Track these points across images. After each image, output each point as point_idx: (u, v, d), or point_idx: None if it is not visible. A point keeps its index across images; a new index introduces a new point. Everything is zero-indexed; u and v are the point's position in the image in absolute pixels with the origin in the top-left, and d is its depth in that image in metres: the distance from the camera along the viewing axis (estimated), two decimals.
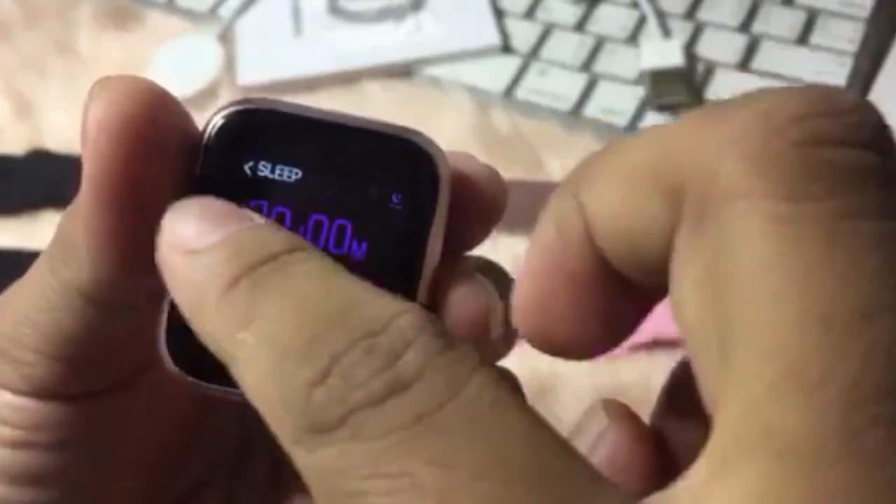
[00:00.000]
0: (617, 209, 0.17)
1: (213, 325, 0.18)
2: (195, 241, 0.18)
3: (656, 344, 0.42)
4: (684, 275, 0.15)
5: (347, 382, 0.16)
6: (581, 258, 0.17)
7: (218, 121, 0.20)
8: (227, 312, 0.17)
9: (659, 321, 0.45)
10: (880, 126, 0.15)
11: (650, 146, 0.16)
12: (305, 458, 0.16)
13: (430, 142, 0.21)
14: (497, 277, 0.22)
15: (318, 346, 0.16)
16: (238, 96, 0.48)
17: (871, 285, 0.14)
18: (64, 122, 0.52)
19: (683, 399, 0.17)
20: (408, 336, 0.16)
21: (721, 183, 0.15)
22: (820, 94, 0.15)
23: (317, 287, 0.17)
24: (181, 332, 0.20)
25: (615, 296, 0.18)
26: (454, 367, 0.16)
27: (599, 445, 0.19)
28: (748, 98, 0.16)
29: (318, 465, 0.16)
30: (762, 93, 0.16)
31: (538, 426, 0.15)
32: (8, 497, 0.22)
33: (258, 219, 0.19)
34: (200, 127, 0.21)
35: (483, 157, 0.22)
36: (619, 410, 0.19)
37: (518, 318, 0.19)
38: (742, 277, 0.14)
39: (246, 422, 0.26)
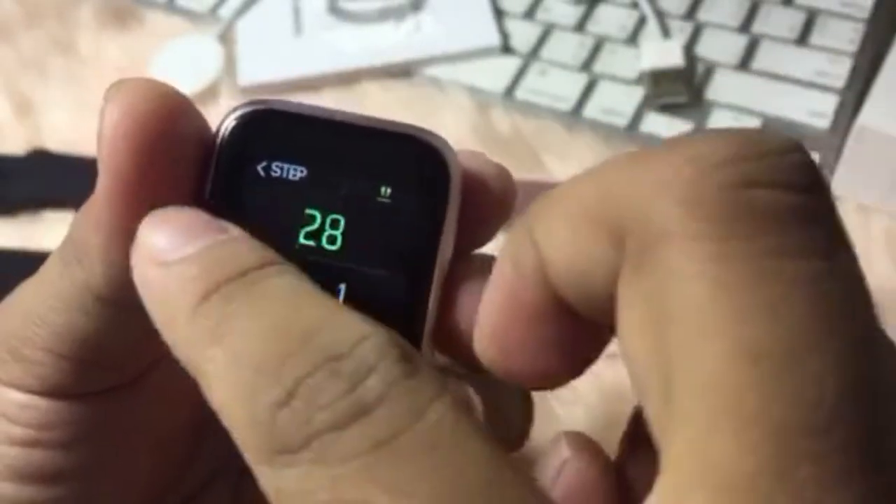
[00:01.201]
0: (565, 249, 0.17)
1: (183, 339, 0.18)
2: (168, 254, 0.18)
3: None
4: (627, 316, 0.16)
5: (311, 405, 0.16)
6: (535, 294, 0.18)
7: (231, 122, 0.20)
8: (197, 327, 0.17)
9: None
10: (806, 166, 0.16)
11: (593, 187, 0.17)
12: (269, 478, 0.16)
13: (442, 140, 0.21)
14: None
15: (285, 367, 0.16)
16: (238, 96, 0.49)
17: (797, 324, 0.14)
18: (64, 122, 0.52)
19: (643, 435, 0.18)
20: (370, 361, 0.16)
21: (655, 225, 0.15)
22: (747, 138, 0.16)
23: (286, 305, 0.17)
24: None
25: (570, 329, 0.18)
26: (415, 394, 0.16)
27: (560, 477, 0.19)
28: (678, 142, 0.16)
29: (281, 487, 0.16)
30: (691, 137, 0.16)
31: (496, 456, 0.16)
32: (18, 495, 0.22)
33: (233, 231, 0.19)
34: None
35: None
36: (581, 443, 0.19)
37: (478, 349, 0.19)
38: (678, 317, 0.15)
39: None
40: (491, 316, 0.19)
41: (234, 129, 0.20)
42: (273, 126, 0.21)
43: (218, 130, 0.20)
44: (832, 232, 0.15)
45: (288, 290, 0.18)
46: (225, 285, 0.18)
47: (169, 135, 0.19)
